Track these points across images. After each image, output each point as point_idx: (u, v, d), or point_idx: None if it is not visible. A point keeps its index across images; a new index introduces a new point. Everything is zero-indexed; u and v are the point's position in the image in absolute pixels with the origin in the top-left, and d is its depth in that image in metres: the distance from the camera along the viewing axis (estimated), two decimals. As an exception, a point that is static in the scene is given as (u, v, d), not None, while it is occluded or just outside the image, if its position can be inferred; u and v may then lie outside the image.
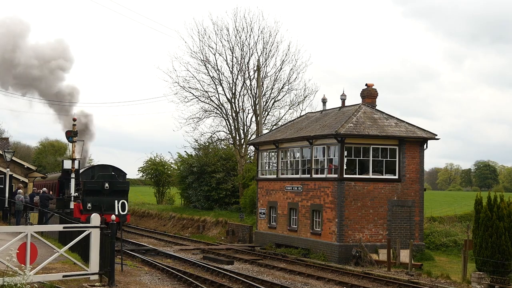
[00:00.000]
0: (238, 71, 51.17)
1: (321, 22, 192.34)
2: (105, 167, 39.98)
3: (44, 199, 37.68)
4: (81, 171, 39.14)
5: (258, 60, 50.15)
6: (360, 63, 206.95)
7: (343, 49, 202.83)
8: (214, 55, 51.38)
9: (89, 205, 36.15)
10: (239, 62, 50.95)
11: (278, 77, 51.65)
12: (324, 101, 37.60)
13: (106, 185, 36.66)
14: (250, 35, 50.75)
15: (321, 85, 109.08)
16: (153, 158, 67.38)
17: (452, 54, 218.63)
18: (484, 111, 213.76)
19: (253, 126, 51.31)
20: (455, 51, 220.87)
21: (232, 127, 51.61)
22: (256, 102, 50.16)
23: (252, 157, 51.48)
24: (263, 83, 50.60)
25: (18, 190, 39.90)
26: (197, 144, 54.51)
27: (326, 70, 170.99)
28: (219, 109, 51.83)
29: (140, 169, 67.92)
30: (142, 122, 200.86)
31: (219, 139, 54.26)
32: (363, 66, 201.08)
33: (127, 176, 41.50)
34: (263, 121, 50.31)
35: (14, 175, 50.71)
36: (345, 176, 30.21)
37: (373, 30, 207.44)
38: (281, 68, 51.60)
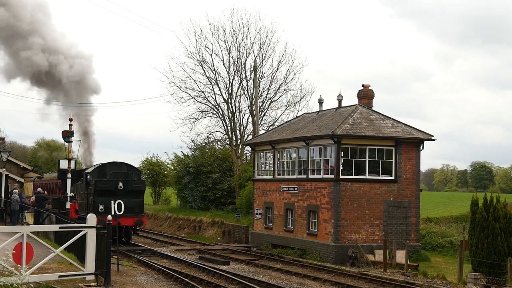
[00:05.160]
0: (234, 72, 51.23)
1: (317, 23, 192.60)
2: (118, 164, 36.01)
3: (40, 200, 37.61)
4: (90, 169, 36.79)
5: (255, 60, 50.18)
6: (353, 64, 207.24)
7: (337, 50, 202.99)
8: (211, 55, 51.46)
9: (101, 207, 33.21)
10: (236, 62, 51.01)
11: (274, 78, 51.73)
12: (320, 101, 37.62)
13: (120, 184, 33.69)
14: (246, 36, 50.82)
15: (317, 86, 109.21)
16: (150, 158, 67.41)
17: (443, 55, 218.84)
18: (478, 112, 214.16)
19: (250, 127, 51.36)
20: (446, 52, 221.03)
21: (229, 128, 51.64)
22: (253, 103, 50.19)
23: (249, 158, 51.50)
24: (259, 83, 50.62)
25: (14, 190, 39.89)
26: (193, 144, 54.55)
27: (320, 71, 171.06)
28: (216, 110, 51.89)
29: (137, 169, 67.83)
30: (138, 122, 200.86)
31: (215, 139, 54.29)
32: (356, 67, 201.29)
33: None
34: (259, 122, 50.33)
35: (10, 175, 50.68)
36: (341, 176, 30.23)
37: (365, 31, 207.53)
38: (277, 69, 51.68)
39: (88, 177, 35.52)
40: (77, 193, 37.66)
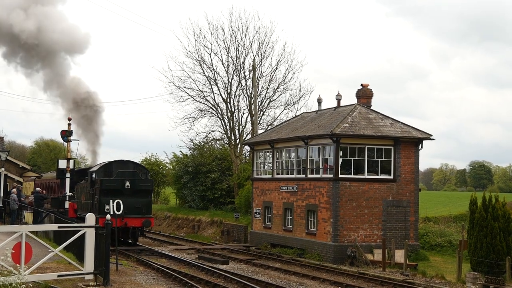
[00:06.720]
0: (233, 71, 51.25)
1: (315, 22, 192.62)
2: (125, 163, 34.58)
3: (38, 199, 37.59)
4: (95, 168, 35.53)
5: (254, 60, 50.19)
6: (351, 63, 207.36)
7: (335, 50, 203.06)
8: (210, 55, 51.46)
9: (107, 206, 31.91)
10: (235, 62, 51.02)
11: (273, 77, 51.73)
12: (319, 101, 37.62)
13: (127, 183, 32.44)
14: (245, 35, 50.82)
15: (315, 85, 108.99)
16: (148, 158, 67.37)
17: (440, 53, 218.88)
18: (476, 111, 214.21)
19: (248, 126, 51.37)
20: (444, 51, 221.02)
21: (227, 127, 51.65)
22: (252, 102, 50.19)
23: (247, 157, 51.49)
24: (258, 83, 50.64)
25: (13, 190, 39.90)
26: (192, 144, 54.52)
27: (319, 70, 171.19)
28: (215, 109, 51.90)
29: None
30: (137, 121, 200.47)
31: (214, 139, 54.29)
32: (354, 66, 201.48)
33: None
34: (258, 121, 50.33)
35: (9, 174, 50.68)
36: (340, 176, 30.22)
37: (362, 30, 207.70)
38: (276, 68, 51.68)
39: (94, 175, 34.22)
40: (81, 192, 36.70)
